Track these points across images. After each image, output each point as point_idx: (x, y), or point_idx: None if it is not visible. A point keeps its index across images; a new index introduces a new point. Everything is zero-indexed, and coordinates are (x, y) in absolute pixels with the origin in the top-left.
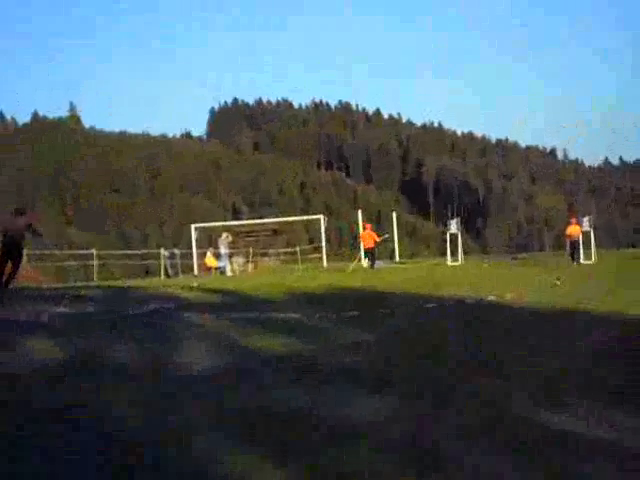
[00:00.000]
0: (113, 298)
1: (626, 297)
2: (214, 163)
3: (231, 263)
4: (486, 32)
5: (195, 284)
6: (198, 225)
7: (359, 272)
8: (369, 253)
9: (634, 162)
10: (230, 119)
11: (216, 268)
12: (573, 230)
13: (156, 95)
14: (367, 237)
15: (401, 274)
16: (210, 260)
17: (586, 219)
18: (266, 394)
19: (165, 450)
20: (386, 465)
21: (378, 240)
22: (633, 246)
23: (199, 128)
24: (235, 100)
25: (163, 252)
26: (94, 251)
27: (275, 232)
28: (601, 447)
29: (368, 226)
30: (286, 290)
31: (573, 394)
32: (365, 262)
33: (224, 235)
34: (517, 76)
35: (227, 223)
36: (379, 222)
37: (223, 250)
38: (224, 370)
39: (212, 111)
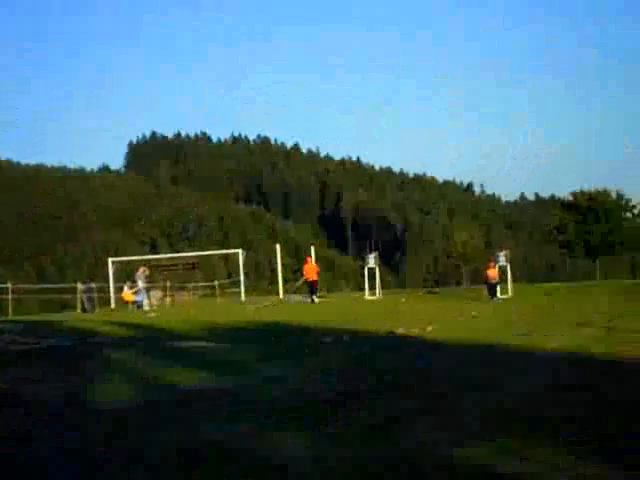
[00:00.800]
0: (22, 332)
1: (541, 331)
2: (132, 197)
3: (149, 297)
4: (405, 66)
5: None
6: (115, 259)
7: (278, 307)
8: (311, 285)
9: (549, 198)
10: (149, 153)
11: (133, 302)
12: (491, 273)
13: (74, 128)
14: (310, 270)
15: (317, 309)
16: (127, 294)
17: (502, 254)
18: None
19: None
20: None
21: (318, 270)
22: (548, 281)
23: (117, 162)
24: (154, 134)
25: (79, 286)
26: (9, 285)
27: (193, 266)
28: None
29: (310, 259)
30: (203, 325)
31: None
32: (285, 297)
33: (141, 269)
34: (435, 111)
35: (145, 257)
36: (298, 256)
37: (140, 284)
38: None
39: (130, 145)
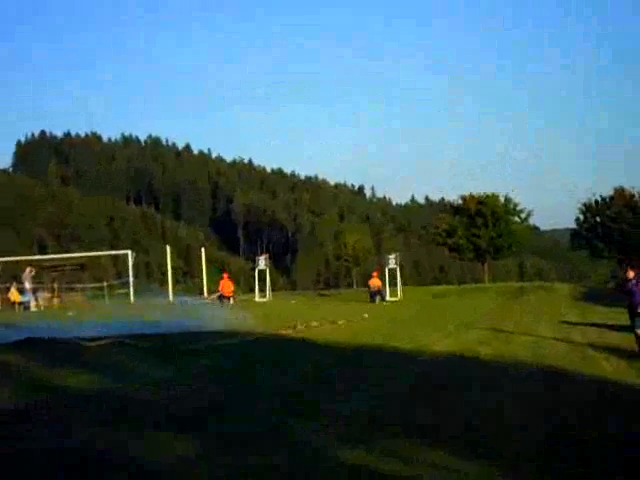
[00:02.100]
0: None
1: (423, 334)
2: (20, 196)
3: (36, 298)
4: (294, 64)
5: None
6: (2, 259)
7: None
8: (225, 298)
9: (439, 201)
10: (38, 152)
11: (19, 303)
12: (374, 283)
13: None
14: (226, 286)
15: (201, 311)
16: (14, 295)
17: (392, 256)
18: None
19: None
20: None
21: (232, 289)
22: (437, 284)
23: (5, 160)
24: (43, 132)
25: None
26: None
27: (82, 267)
28: None
29: (226, 275)
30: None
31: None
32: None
33: (28, 269)
34: (327, 113)
35: (32, 257)
36: (188, 258)
37: (27, 285)
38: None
39: (19, 143)
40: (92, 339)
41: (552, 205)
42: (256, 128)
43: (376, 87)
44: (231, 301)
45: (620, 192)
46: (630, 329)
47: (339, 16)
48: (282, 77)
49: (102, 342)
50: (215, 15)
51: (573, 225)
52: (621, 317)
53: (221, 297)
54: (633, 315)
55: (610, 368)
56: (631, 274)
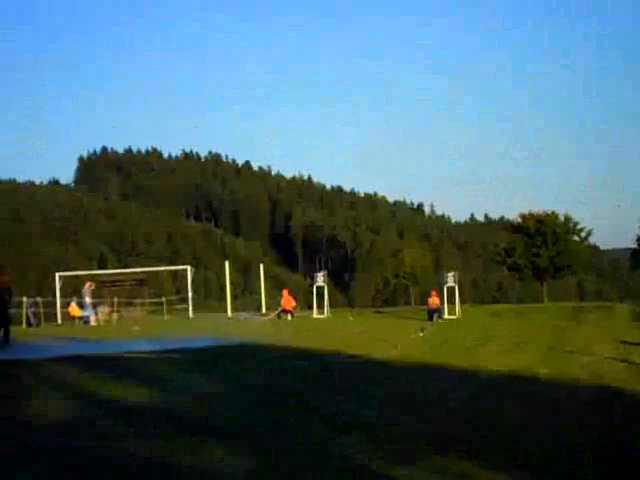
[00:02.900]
0: None
1: (480, 353)
2: (81, 211)
3: (95, 313)
4: (354, 83)
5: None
6: (62, 273)
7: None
8: (286, 312)
9: (498, 219)
10: (98, 168)
11: (80, 317)
12: (433, 301)
13: (24, 141)
14: (287, 301)
15: (262, 328)
16: (74, 309)
17: (451, 275)
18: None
19: None
20: None
21: (294, 304)
22: (496, 302)
23: (67, 176)
24: (104, 148)
25: (25, 300)
26: None
27: (141, 282)
28: None
29: (286, 291)
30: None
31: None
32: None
33: (87, 284)
34: (387, 130)
35: (92, 272)
36: (247, 273)
37: (87, 299)
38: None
39: (81, 159)
40: (152, 353)
41: (612, 224)
42: (316, 145)
43: (436, 103)
44: (289, 317)
45: None
46: None
47: None
48: (342, 94)
49: (161, 356)
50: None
51: (633, 245)
52: None
53: (281, 312)
54: None
55: None
56: None
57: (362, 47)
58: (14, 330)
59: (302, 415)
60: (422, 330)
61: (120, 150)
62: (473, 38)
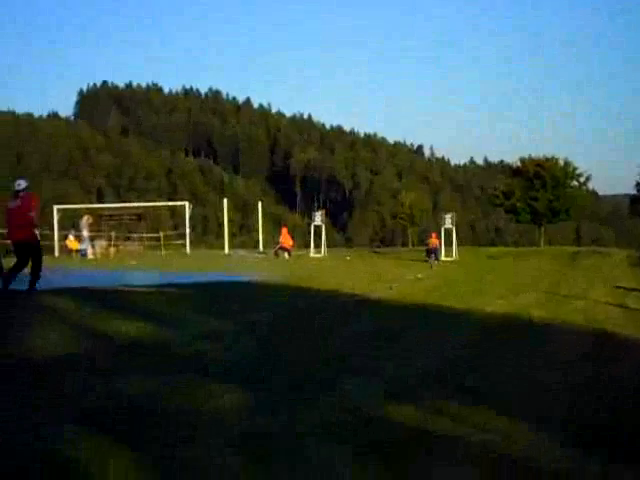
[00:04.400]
0: None
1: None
2: (80, 145)
3: (92, 246)
4: (358, 26)
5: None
6: (60, 206)
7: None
8: (285, 250)
9: (498, 163)
10: (99, 102)
11: (77, 250)
12: (432, 242)
13: (23, 73)
14: (285, 239)
15: (258, 265)
16: (71, 242)
17: (449, 216)
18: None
19: None
20: None
21: (291, 243)
22: (493, 245)
23: (66, 109)
24: (104, 82)
25: None
26: None
27: (139, 217)
28: None
29: (284, 229)
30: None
31: None
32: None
33: (85, 217)
34: (389, 72)
35: (90, 206)
36: (245, 211)
37: (85, 233)
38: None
39: (81, 92)
40: (150, 287)
41: (612, 170)
42: (317, 84)
43: (437, 44)
44: (286, 255)
45: None
46: None
47: None
48: (344, 33)
49: (159, 290)
50: None
51: (633, 191)
52: None
53: (279, 250)
54: None
55: None
56: None
57: None
58: (9, 262)
59: (299, 354)
60: (420, 273)
61: (121, 84)
62: None
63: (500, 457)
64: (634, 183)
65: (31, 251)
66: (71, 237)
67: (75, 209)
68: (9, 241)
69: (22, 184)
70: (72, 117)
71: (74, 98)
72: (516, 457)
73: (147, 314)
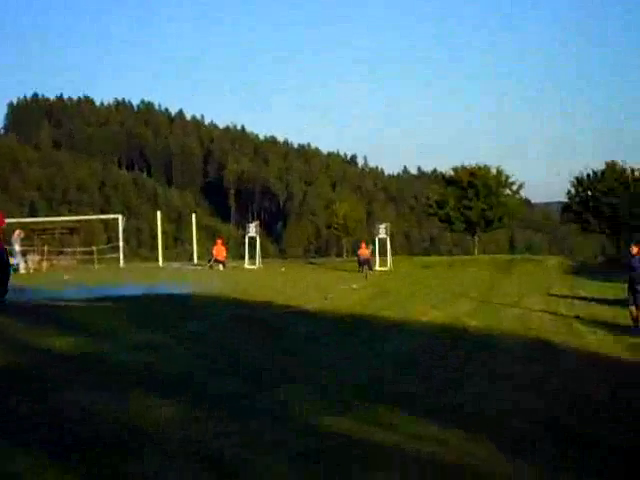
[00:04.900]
0: None
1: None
2: (11, 158)
3: (25, 261)
4: (294, 34)
5: None
6: None
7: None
8: (219, 263)
9: (431, 172)
10: (30, 114)
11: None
12: (362, 252)
13: None
14: (219, 251)
15: (193, 278)
16: None
17: (383, 226)
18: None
19: None
20: None
21: (225, 254)
22: (427, 255)
23: None
24: (35, 95)
25: None
26: None
27: (72, 230)
28: None
29: (219, 241)
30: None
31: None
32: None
33: (17, 232)
34: (322, 81)
35: (22, 220)
36: (179, 223)
37: (16, 247)
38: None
39: (11, 105)
40: (84, 301)
41: (544, 179)
42: (250, 95)
43: (371, 56)
44: (221, 267)
45: (612, 166)
46: (618, 303)
47: None
48: (277, 43)
49: (93, 304)
50: None
51: (564, 199)
52: (609, 291)
53: (214, 262)
54: (632, 290)
55: (596, 341)
56: (635, 250)
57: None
58: None
59: (231, 368)
60: (355, 283)
61: (52, 97)
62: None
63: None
64: (566, 191)
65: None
66: None
67: (7, 223)
68: None
69: None
70: (2, 130)
71: (4, 111)
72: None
73: (81, 328)
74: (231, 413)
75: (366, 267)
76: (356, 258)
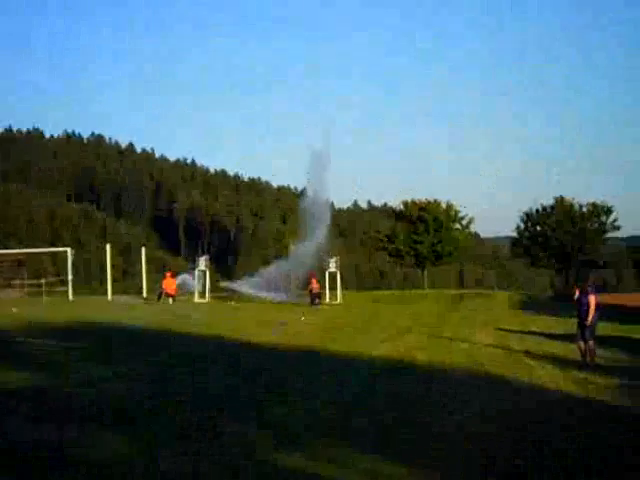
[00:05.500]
0: None
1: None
2: None
3: None
4: (239, 66)
5: None
6: None
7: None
8: (167, 296)
9: (381, 206)
10: None
11: None
12: (312, 287)
13: None
14: (169, 284)
15: (141, 312)
16: None
17: (333, 260)
18: None
19: None
20: None
21: (175, 288)
22: (377, 289)
23: None
24: None
25: None
26: None
27: (20, 263)
28: None
29: (168, 274)
30: (28, 324)
31: None
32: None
33: None
34: (271, 116)
35: None
36: (128, 256)
37: None
38: None
39: None
40: (31, 337)
41: (493, 213)
42: (200, 128)
43: (317, 89)
44: (170, 301)
45: (560, 202)
46: (567, 338)
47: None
48: (226, 74)
49: (41, 340)
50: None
51: (514, 234)
52: (558, 326)
53: (163, 295)
54: (581, 326)
55: (546, 376)
56: (577, 292)
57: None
58: None
59: (176, 399)
60: (303, 314)
61: (0, 130)
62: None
63: None
64: (515, 226)
65: None
66: None
67: None
68: None
69: None
70: None
71: None
72: None
73: (30, 362)
74: (173, 443)
75: (317, 300)
76: (308, 292)
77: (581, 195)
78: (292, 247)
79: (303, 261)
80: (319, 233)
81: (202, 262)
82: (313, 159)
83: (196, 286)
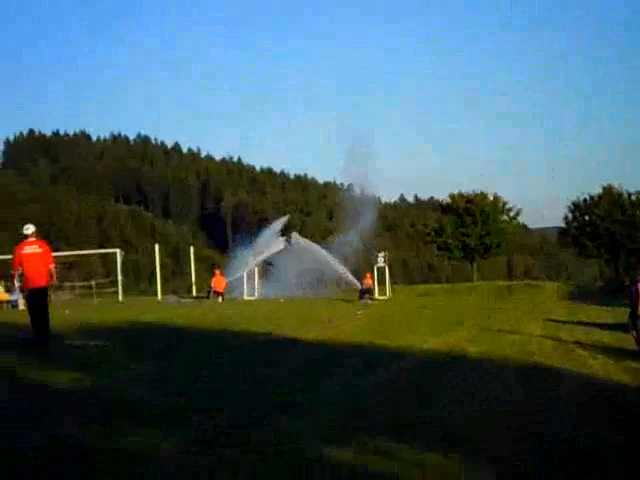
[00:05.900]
0: None
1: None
2: (8, 194)
3: (24, 297)
4: (283, 65)
5: None
6: None
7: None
8: (217, 294)
9: (428, 200)
10: (26, 151)
11: (8, 301)
12: (367, 282)
13: None
14: (218, 282)
15: (192, 310)
16: (1, 294)
17: (381, 255)
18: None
19: None
20: None
21: (224, 285)
22: (426, 283)
23: None
24: (31, 131)
25: None
26: None
27: (70, 265)
28: None
29: (218, 272)
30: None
31: None
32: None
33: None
34: (317, 111)
35: None
36: (177, 256)
37: (16, 283)
38: None
39: (7, 142)
40: (82, 338)
41: (541, 204)
42: (246, 126)
43: (361, 83)
44: (219, 299)
45: (608, 191)
46: (619, 328)
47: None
48: (273, 75)
49: (95, 342)
50: (206, 14)
51: (562, 224)
52: (608, 316)
53: (213, 293)
54: (633, 315)
55: (597, 366)
56: (628, 281)
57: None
58: None
59: (229, 395)
60: (361, 308)
61: (48, 133)
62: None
63: None
64: (563, 216)
65: (45, 298)
66: (0, 288)
67: (5, 260)
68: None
69: (31, 228)
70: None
71: (0, 147)
72: None
73: (82, 363)
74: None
75: (367, 296)
76: (359, 287)
77: (629, 184)
78: (336, 242)
79: (347, 257)
80: (364, 228)
81: (251, 259)
82: (354, 154)
83: (245, 284)
